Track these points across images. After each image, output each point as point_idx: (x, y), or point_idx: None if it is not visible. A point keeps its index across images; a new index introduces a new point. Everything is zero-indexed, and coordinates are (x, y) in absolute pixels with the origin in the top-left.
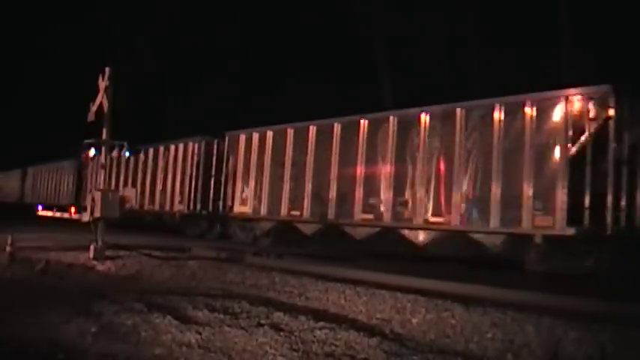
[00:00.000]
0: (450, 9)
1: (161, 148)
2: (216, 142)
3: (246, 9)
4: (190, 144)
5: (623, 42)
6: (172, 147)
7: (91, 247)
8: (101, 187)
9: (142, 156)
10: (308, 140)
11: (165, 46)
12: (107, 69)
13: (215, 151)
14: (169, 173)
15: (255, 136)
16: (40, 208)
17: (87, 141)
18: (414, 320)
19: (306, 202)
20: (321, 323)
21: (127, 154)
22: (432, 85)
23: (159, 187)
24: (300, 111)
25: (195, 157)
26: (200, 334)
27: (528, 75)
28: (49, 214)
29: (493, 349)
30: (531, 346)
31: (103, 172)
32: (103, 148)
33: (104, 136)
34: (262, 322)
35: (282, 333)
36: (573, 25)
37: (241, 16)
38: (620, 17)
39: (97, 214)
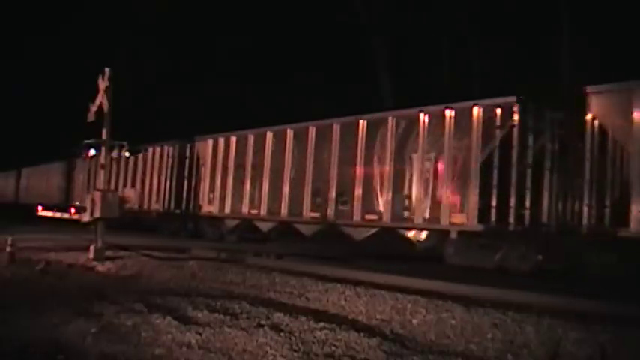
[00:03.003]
0: (450, 9)
1: (142, 151)
2: (189, 146)
3: (246, 9)
4: (166, 147)
5: (623, 34)
6: (150, 150)
7: (91, 248)
8: (101, 187)
9: (123, 158)
10: (265, 146)
11: (165, 46)
12: (107, 69)
13: (188, 155)
14: (147, 175)
15: (221, 141)
16: (40, 208)
17: (87, 141)
18: (415, 321)
19: (263, 202)
20: (322, 324)
21: (127, 154)
22: (432, 86)
23: (138, 187)
24: (300, 111)
25: (170, 160)
26: (200, 334)
27: (528, 73)
28: (49, 214)
29: (493, 349)
30: (531, 346)
31: (103, 172)
32: (103, 148)
33: (104, 136)
34: (262, 322)
35: (282, 333)
36: (574, 25)
37: (241, 16)
38: (620, 9)
39: (97, 214)
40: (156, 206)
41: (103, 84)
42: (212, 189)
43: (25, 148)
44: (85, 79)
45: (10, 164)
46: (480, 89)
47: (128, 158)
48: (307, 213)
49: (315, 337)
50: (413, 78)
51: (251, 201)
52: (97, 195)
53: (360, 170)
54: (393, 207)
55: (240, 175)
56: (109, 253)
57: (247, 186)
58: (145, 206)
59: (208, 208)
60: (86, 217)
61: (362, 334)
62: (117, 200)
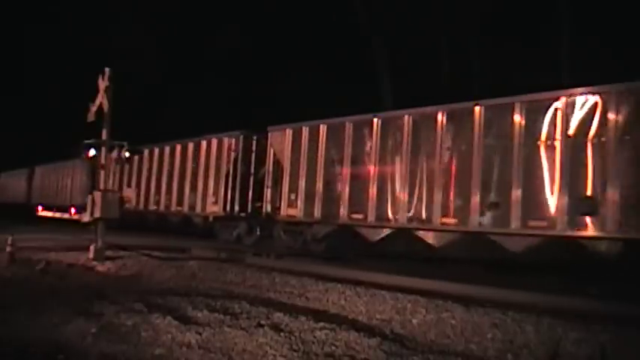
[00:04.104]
0: (450, 9)
1: (190, 145)
2: (255, 137)
3: (245, 9)
4: (226, 140)
5: (624, 33)
6: (204, 143)
7: (91, 248)
8: (101, 187)
9: (156, 154)
10: (370, 136)
11: (166, 46)
12: (107, 69)
13: (254, 148)
14: (200, 172)
15: (305, 131)
16: (40, 208)
17: (87, 141)
18: (415, 321)
19: (371, 204)
20: (322, 324)
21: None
22: (432, 85)
23: (187, 187)
24: (300, 111)
25: (233, 154)
26: (200, 334)
27: (528, 72)
28: (49, 214)
29: (493, 349)
30: (531, 346)
31: (103, 172)
32: (103, 148)
33: (104, 136)
34: (262, 322)
35: (282, 333)
36: (573, 25)
37: (241, 15)
38: (620, 9)
39: (97, 214)
40: (213, 208)
41: (103, 84)
42: (294, 189)
43: (36, 145)
44: (85, 79)
45: (19, 162)
46: (480, 89)
47: (128, 159)
48: (439, 218)
49: (315, 337)
50: (413, 78)
51: (354, 204)
52: (97, 195)
53: (517, 167)
54: (572, 210)
55: (333, 172)
56: (109, 253)
57: (346, 186)
58: (198, 209)
59: (288, 212)
60: (86, 217)
61: (362, 334)
62: (117, 200)
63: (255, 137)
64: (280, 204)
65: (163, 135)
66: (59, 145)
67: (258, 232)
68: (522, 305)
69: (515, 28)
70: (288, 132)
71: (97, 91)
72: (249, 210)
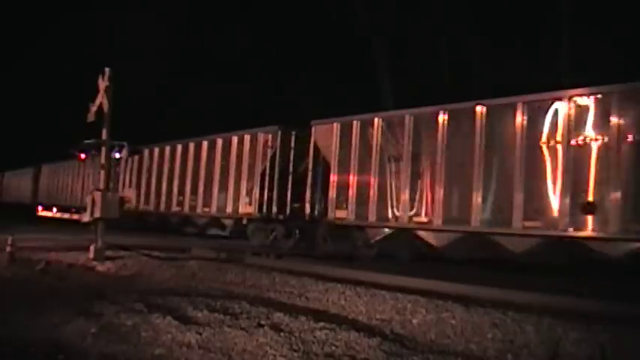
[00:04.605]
0: (450, 9)
1: (218, 141)
2: (293, 132)
3: (246, 9)
4: (261, 135)
5: (624, 33)
6: (235, 139)
7: (91, 248)
8: (101, 187)
9: (179, 152)
10: (435, 130)
11: (166, 46)
12: (107, 69)
13: (293, 144)
14: (231, 171)
15: (355, 125)
16: (40, 208)
17: (86, 141)
18: (415, 321)
19: (438, 206)
20: (322, 324)
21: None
22: (432, 85)
23: (215, 187)
24: (300, 111)
25: (269, 151)
26: (200, 334)
27: (528, 72)
28: (49, 214)
29: (493, 349)
30: (531, 346)
31: (103, 172)
32: (103, 149)
33: (104, 136)
34: (262, 322)
35: (282, 333)
36: (574, 25)
37: (241, 16)
38: (620, 9)
39: (97, 214)
40: (247, 210)
41: (103, 84)
42: (342, 188)
43: (42, 144)
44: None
45: (25, 161)
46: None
47: (119, 160)
48: (520, 222)
49: (315, 337)
50: (413, 78)
51: (416, 205)
52: (98, 195)
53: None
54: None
55: (390, 169)
56: (109, 253)
57: (407, 185)
58: (229, 210)
59: (336, 214)
60: (86, 217)
61: (362, 334)
62: (117, 200)
63: (293, 132)
64: (326, 205)
65: (164, 135)
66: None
67: (297, 236)
68: (522, 305)
69: (515, 28)
70: (336, 126)
71: (97, 91)
72: (288, 211)
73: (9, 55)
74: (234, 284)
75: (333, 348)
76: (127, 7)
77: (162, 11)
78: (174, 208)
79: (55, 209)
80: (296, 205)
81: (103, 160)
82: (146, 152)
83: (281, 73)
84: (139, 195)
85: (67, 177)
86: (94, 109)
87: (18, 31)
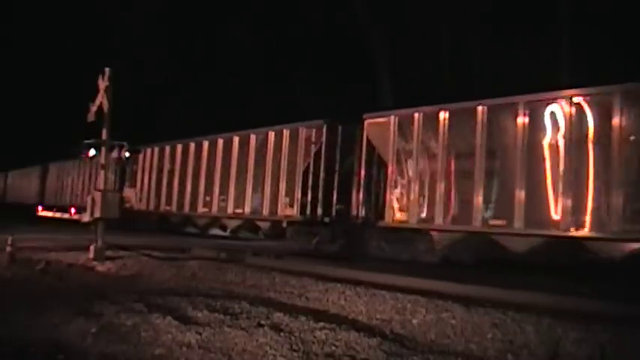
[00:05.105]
0: (450, 8)
1: (252, 137)
2: (340, 128)
3: (245, 9)
4: (303, 130)
5: (625, 32)
6: (271, 134)
7: (91, 248)
8: (101, 187)
9: (205, 149)
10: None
11: (166, 46)
12: (107, 69)
13: (339, 140)
14: (267, 169)
15: (418, 118)
16: (40, 208)
17: (86, 141)
18: (415, 321)
19: (517, 207)
20: (322, 324)
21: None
22: (432, 85)
23: (249, 187)
24: (300, 111)
25: (313, 148)
26: (200, 334)
27: (528, 71)
28: (49, 214)
29: (493, 349)
30: (531, 346)
31: (103, 172)
32: (103, 148)
33: (104, 136)
34: (262, 322)
35: (282, 333)
36: (573, 23)
37: (241, 15)
38: (621, 6)
39: (97, 214)
40: (288, 211)
41: (103, 84)
42: (402, 188)
43: (49, 143)
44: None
45: (31, 160)
46: (480, 89)
47: (128, 158)
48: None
49: (315, 337)
50: (413, 78)
51: (493, 206)
52: (98, 194)
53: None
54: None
55: (459, 167)
56: (109, 253)
57: (480, 185)
58: (266, 212)
59: (396, 216)
60: (86, 217)
61: (362, 334)
62: (117, 200)
63: (340, 127)
64: (383, 207)
65: (164, 135)
66: (60, 145)
67: (344, 240)
68: (522, 305)
69: (515, 27)
70: (393, 119)
71: (97, 91)
72: (334, 213)
73: (9, 55)
74: (234, 284)
75: (333, 348)
76: (127, 7)
77: (162, 11)
78: (201, 209)
79: (55, 209)
80: (341, 206)
81: (102, 160)
82: (167, 149)
83: (281, 73)
84: (159, 196)
85: (77, 176)
86: (94, 109)
87: (18, 31)
